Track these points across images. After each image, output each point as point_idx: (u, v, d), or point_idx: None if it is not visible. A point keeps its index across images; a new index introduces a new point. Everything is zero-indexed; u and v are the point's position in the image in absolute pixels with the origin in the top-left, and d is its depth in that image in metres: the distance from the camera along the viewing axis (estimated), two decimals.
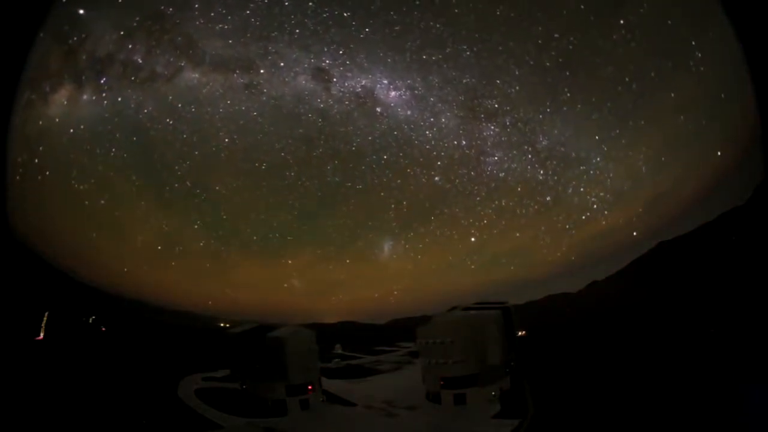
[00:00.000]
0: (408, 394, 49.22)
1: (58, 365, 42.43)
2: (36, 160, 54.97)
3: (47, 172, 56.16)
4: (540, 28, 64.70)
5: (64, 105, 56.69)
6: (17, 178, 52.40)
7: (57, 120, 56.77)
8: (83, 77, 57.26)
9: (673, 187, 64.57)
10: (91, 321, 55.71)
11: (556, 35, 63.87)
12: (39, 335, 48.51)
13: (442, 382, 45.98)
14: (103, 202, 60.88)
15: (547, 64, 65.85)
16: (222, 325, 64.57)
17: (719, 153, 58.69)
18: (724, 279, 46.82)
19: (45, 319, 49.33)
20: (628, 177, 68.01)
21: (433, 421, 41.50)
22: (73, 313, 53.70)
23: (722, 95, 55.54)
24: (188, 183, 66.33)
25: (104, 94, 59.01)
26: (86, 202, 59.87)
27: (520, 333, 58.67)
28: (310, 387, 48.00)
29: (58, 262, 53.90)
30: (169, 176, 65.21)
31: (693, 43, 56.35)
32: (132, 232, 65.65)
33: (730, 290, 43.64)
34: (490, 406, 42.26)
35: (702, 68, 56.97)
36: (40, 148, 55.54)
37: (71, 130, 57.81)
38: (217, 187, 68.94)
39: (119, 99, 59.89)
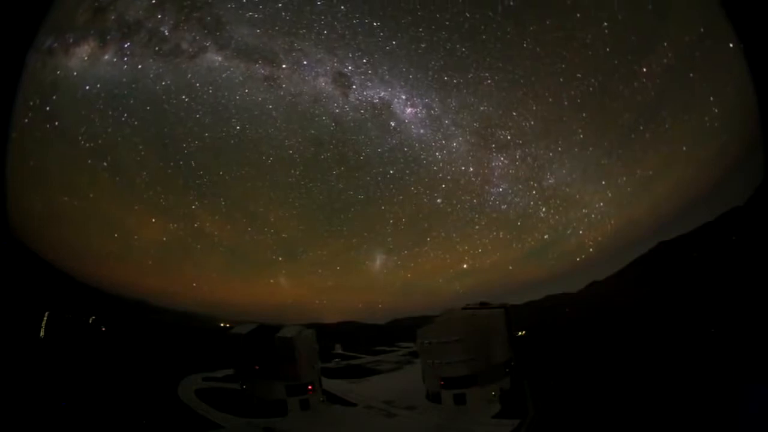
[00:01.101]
0: (408, 394, 49.24)
1: (58, 365, 42.44)
2: (47, 108, 54.59)
3: (56, 122, 55.67)
4: (563, 66, 63.74)
5: (84, 60, 56.30)
6: (25, 120, 52.45)
7: (75, 73, 56.22)
8: (108, 37, 56.52)
9: (673, 187, 64.66)
10: (91, 321, 55.64)
11: (578, 75, 63.19)
12: (39, 335, 48.51)
13: (442, 382, 46.01)
14: (105, 164, 59.53)
15: (566, 103, 64.72)
16: (222, 325, 64.44)
17: (719, 153, 58.73)
18: (724, 279, 46.81)
19: (45, 319, 49.31)
20: (629, 224, 68.20)
21: (433, 421, 41.52)
22: (73, 313, 53.65)
23: (722, 95, 55.66)
24: (193, 163, 64.71)
25: (126, 59, 58.13)
26: (89, 161, 58.78)
27: (520, 333, 58.65)
28: (310, 387, 48.02)
29: (58, 262, 53.87)
30: (176, 152, 63.93)
31: (711, 98, 56.33)
32: (129, 200, 64.03)
33: (730, 290, 43.64)
34: (490, 406, 42.30)
35: (716, 124, 56.82)
36: (54, 97, 55.13)
37: (87, 87, 57.14)
38: (221, 172, 67.06)
39: (140, 66, 59.00)
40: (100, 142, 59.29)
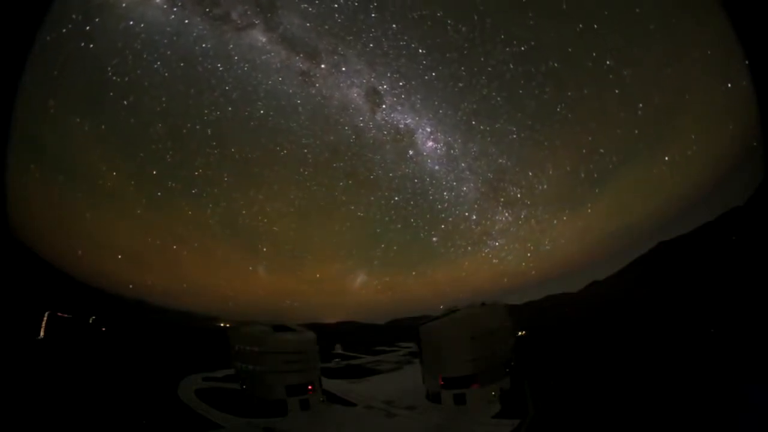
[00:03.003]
0: (408, 394, 49.24)
1: (58, 365, 42.44)
2: (87, 27, 54.33)
3: (91, 45, 55.23)
4: (590, 138, 66.12)
5: None
6: (63, 30, 52.23)
7: (123, 5, 56.24)
8: None
9: (673, 187, 64.76)
10: (91, 321, 55.64)
11: (601, 150, 65.39)
12: (39, 335, 48.52)
13: (442, 382, 46.00)
14: (125, 102, 59.32)
15: (582, 175, 67.62)
16: (222, 325, 64.47)
17: (719, 153, 58.81)
18: (724, 279, 46.80)
19: (45, 319, 49.32)
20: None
21: (433, 421, 41.50)
22: (73, 313, 53.62)
23: (722, 96, 55.70)
24: (209, 131, 65.40)
25: (175, 9, 58.82)
26: (111, 94, 58.38)
27: (520, 333, 58.66)
28: (310, 387, 48.02)
29: (57, 262, 53.81)
30: (195, 116, 64.42)
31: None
32: (133, 151, 63.78)
33: (730, 290, 43.62)
34: (490, 406, 42.28)
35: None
36: (97, 19, 54.87)
37: (131, 22, 57.14)
38: (233, 149, 68.01)
39: (186, 22, 59.64)
40: (126, 79, 58.76)
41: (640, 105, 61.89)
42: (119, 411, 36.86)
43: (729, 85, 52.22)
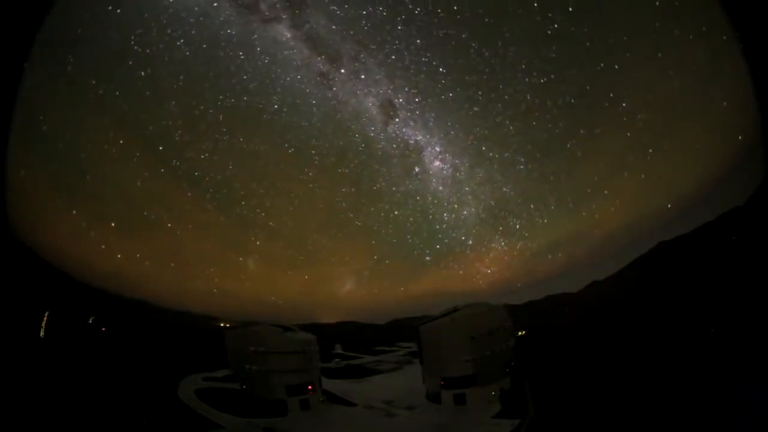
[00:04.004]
0: (408, 394, 49.30)
1: (58, 365, 42.42)
2: None
3: (118, 10, 54.71)
4: (596, 178, 66.92)
5: None
6: None
7: None
8: None
9: (673, 187, 64.71)
10: (91, 321, 55.61)
11: (605, 191, 66.75)
12: (39, 335, 48.49)
13: (442, 382, 46.03)
14: (143, 74, 58.82)
15: (584, 214, 68.69)
16: (222, 325, 64.45)
17: (719, 153, 58.75)
18: (724, 279, 46.76)
19: (45, 319, 49.29)
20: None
21: (433, 421, 41.53)
22: (73, 313, 53.62)
23: (722, 96, 55.67)
24: (221, 117, 64.97)
25: None
26: (130, 62, 57.73)
27: (520, 333, 58.66)
28: (310, 387, 48.04)
29: (57, 262, 53.72)
30: (209, 100, 63.87)
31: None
32: (143, 123, 63.22)
33: (730, 290, 43.59)
34: (490, 406, 42.31)
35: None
36: None
37: None
38: (241, 139, 67.76)
39: (215, 4, 59.41)
40: (147, 51, 58.11)
41: (650, 150, 62.94)
42: (119, 411, 36.87)
43: (729, 85, 52.12)
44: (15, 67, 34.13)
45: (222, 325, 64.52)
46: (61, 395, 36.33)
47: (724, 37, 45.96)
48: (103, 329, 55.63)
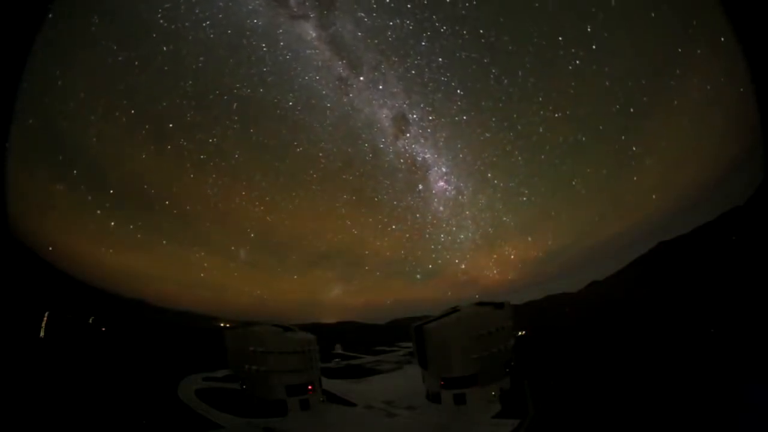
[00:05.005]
0: (408, 394, 49.28)
1: (58, 365, 42.41)
2: None
3: None
4: (597, 219, 68.37)
5: None
6: None
7: None
8: None
9: (673, 187, 64.71)
10: (91, 321, 55.61)
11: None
12: (39, 335, 48.49)
13: (442, 382, 46.00)
14: (165, 49, 58.79)
15: (580, 249, 69.26)
16: (222, 325, 64.47)
17: (719, 153, 58.74)
18: (724, 279, 46.76)
19: (45, 319, 49.29)
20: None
21: (433, 421, 41.51)
22: (73, 313, 53.61)
23: (722, 96, 55.63)
24: (234, 105, 65.03)
25: None
26: (154, 35, 57.75)
27: (520, 333, 58.68)
28: (310, 387, 48.04)
29: (57, 262, 53.69)
30: (226, 86, 63.86)
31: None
32: (157, 97, 62.40)
33: (730, 290, 43.58)
34: (490, 406, 42.29)
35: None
36: None
37: None
38: (252, 130, 67.93)
39: None
40: (173, 27, 57.94)
41: (654, 197, 63.60)
42: (119, 411, 36.87)
43: (728, 85, 52.15)
44: (15, 68, 34.25)
45: (222, 325, 64.54)
46: (62, 395, 36.32)
47: (724, 38, 46.05)
48: (103, 329, 55.63)
